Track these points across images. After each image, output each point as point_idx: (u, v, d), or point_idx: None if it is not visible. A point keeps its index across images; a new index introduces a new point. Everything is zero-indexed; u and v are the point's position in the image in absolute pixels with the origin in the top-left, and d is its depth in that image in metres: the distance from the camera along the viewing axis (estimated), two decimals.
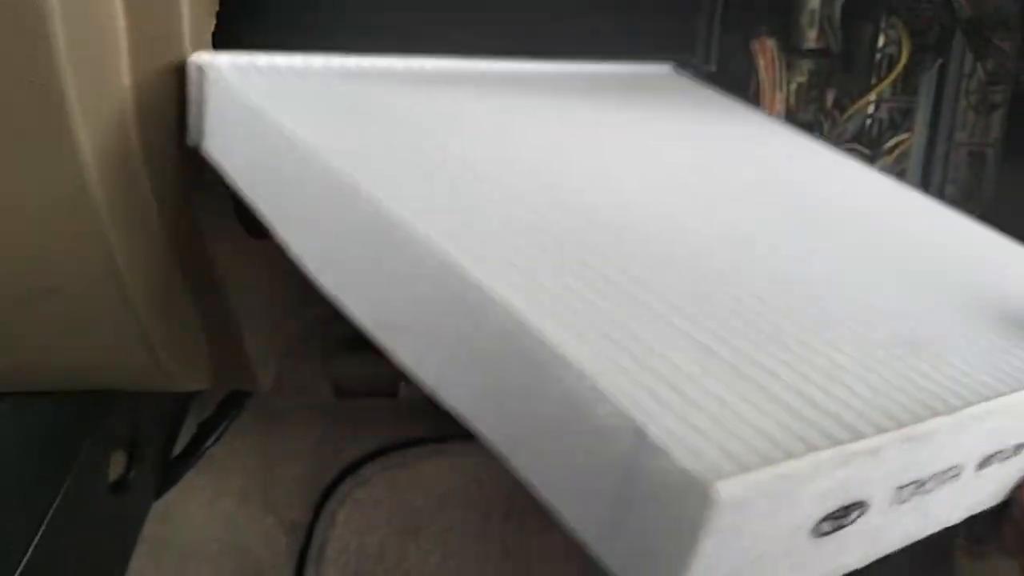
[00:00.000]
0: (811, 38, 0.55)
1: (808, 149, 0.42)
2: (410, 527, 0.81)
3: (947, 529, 0.25)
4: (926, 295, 0.30)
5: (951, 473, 0.23)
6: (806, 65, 0.56)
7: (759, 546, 0.19)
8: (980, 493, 0.25)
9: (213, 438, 0.60)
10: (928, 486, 0.23)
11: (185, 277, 0.41)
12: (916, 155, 0.59)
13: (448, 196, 0.27)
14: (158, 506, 0.62)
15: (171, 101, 0.36)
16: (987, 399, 0.23)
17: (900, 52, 0.53)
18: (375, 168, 0.27)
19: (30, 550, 0.45)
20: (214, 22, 0.37)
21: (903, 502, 0.22)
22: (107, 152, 0.35)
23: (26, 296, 0.39)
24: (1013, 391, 0.24)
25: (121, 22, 0.34)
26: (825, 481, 0.19)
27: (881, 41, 0.55)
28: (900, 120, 0.58)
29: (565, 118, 0.38)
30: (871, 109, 0.57)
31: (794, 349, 0.23)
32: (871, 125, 0.59)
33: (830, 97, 0.57)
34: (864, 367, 0.23)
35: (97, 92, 0.33)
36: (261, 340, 0.46)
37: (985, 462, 0.24)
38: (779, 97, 0.52)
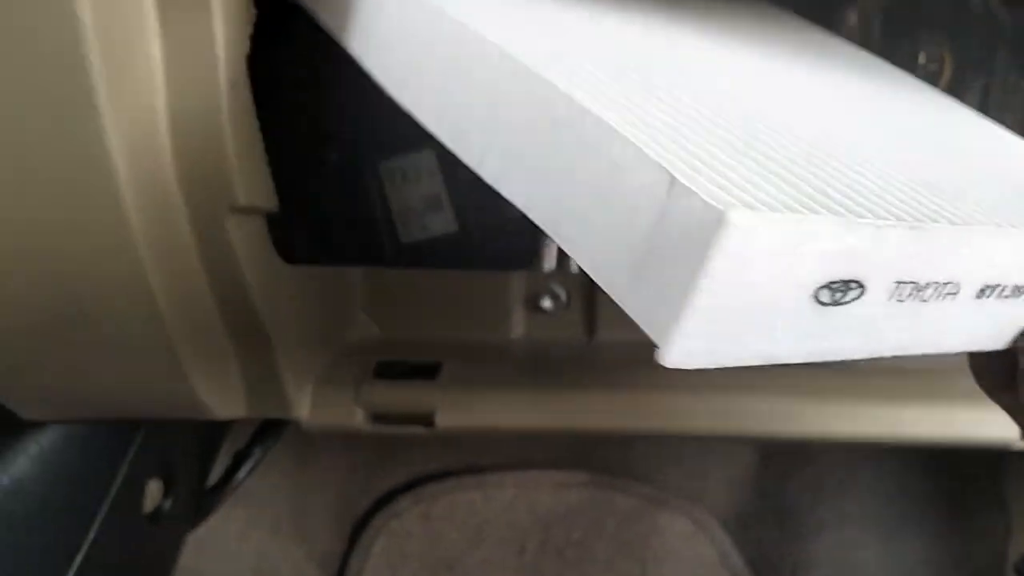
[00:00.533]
0: None
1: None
2: (444, 560, 0.79)
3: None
4: (960, 170, 0.31)
5: (948, 289, 0.24)
6: None
7: (764, 292, 0.20)
8: (978, 328, 0.26)
9: (247, 468, 0.60)
10: (926, 294, 0.24)
11: (219, 303, 0.41)
12: None
13: (549, 41, 0.28)
14: (191, 536, 0.62)
15: (206, 114, 0.36)
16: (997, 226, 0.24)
17: (942, 69, 0.52)
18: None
19: None
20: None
21: (900, 301, 0.23)
22: (142, 172, 0.35)
23: (60, 321, 0.39)
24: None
25: (156, 49, 0.34)
26: (830, 242, 0.20)
27: (922, 58, 0.54)
28: None
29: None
30: None
31: (821, 164, 0.24)
32: None
33: None
34: (883, 188, 0.24)
35: (131, 108, 0.34)
36: (296, 367, 0.46)
37: (985, 291, 0.25)
38: None
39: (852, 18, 0.53)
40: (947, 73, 0.52)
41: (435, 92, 0.28)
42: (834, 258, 0.21)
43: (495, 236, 0.55)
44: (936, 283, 0.24)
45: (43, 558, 0.46)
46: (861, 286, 0.22)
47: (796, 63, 0.39)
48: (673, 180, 0.19)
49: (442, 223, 0.55)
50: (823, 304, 0.22)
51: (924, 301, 0.24)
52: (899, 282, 0.23)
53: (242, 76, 0.36)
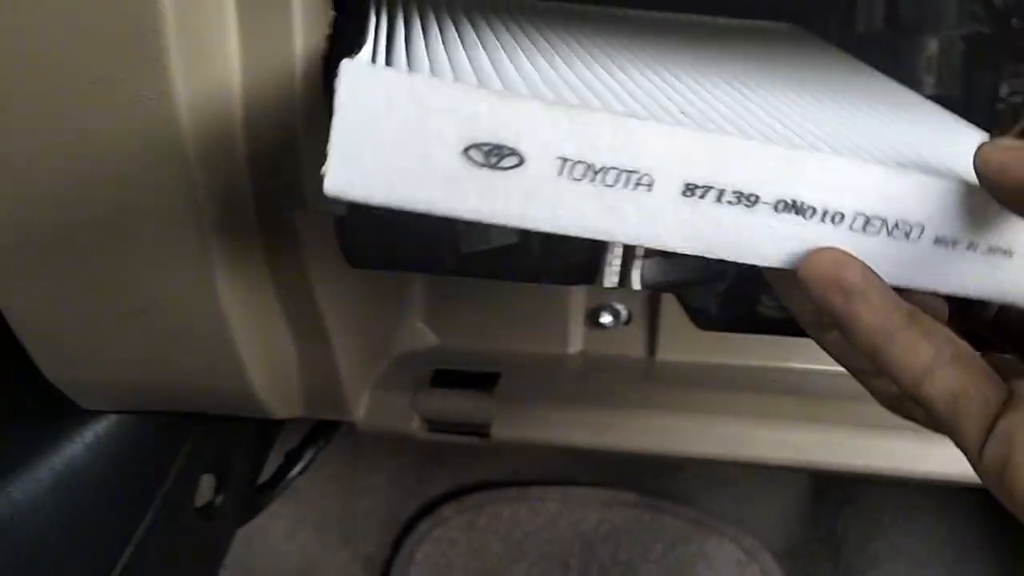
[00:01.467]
0: (929, 84, 0.53)
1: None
2: (486, 572, 0.79)
3: None
4: (852, 134, 0.32)
5: (637, 179, 0.26)
6: None
7: (403, 137, 0.24)
8: (676, 230, 0.27)
9: (299, 468, 0.60)
10: (608, 178, 0.25)
11: (282, 301, 0.41)
12: None
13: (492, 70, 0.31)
14: (240, 532, 0.62)
15: (280, 111, 0.36)
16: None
17: None
18: None
19: (118, 568, 0.45)
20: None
21: (575, 179, 0.25)
22: (214, 163, 0.35)
23: (125, 313, 0.39)
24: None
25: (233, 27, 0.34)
26: (468, 106, 0.24)
27: (1004, 90, 0.53)
28: None
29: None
30: None
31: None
32: None
33: None
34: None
35: (205, 99, 0.34)
36: (355, 370, 0.46)
37: (690, 190, 0.26)
38: None
39: (931, 47, 0.52)
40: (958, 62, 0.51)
41: None
42: (480, 121, 0.24)
43: (556, 249, 0.55)
44: (622, 170, 0.26)
45: (95, 545, 0.47)
46: (516, 153, 0.25)
47: (787, 84, 0.39)
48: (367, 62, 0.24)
49: (503, 234, 0.54)
50: (476, 164, 0.25)
51: (609, 186, 0.26)
52: (564, 159, 0.25)
53: (317, 75, 0.36)
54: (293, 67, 0.35)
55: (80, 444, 0.46)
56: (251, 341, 0.41)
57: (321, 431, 0.61)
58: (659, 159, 0.26)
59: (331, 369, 0.45)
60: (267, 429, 0.63)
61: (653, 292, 0.53)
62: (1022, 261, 0.28)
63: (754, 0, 0.51)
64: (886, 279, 0.27)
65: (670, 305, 0.52)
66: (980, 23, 0.52)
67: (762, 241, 0.28)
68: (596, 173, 0.26)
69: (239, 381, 0.42)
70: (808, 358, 0.52)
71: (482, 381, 0.49)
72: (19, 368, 0.42)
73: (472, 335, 0.52)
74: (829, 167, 0.27)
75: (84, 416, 0.46)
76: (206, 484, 0.53)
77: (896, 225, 0.27)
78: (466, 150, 0.25)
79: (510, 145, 0.25)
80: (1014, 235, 0.28)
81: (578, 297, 0.53)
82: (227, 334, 0.39)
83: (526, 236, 0.54)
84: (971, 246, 0.28)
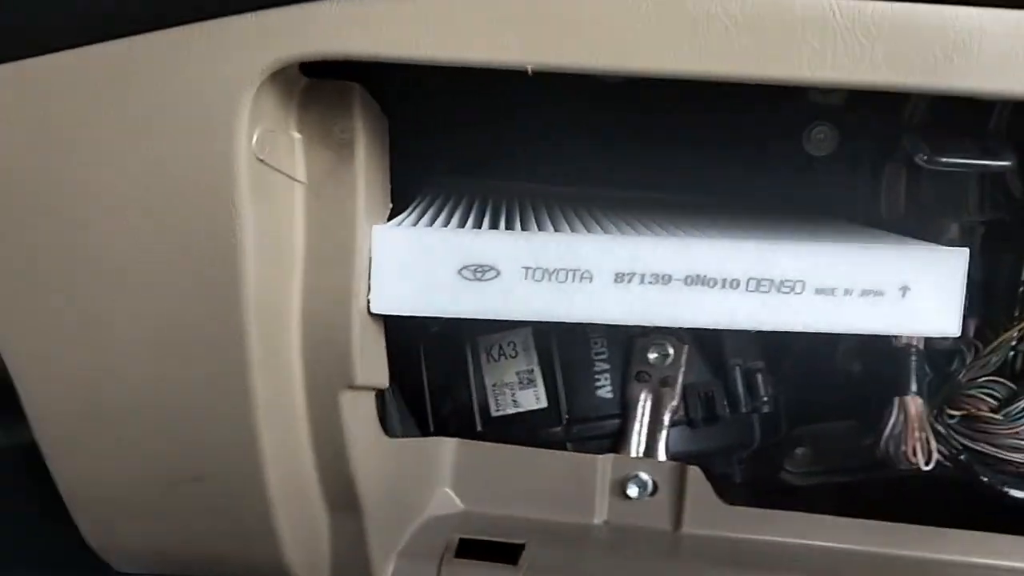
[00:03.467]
0: None
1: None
2: None
3: None
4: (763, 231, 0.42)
5: (582, 274, 0.38)
6: None
7: (421, 270, 0.38)
8: (619, 306, 0.38)
9: None
10: (560, 276, 0.38)
11: (320, 471, 0.42)
12: None
13: None
14: None
15: (338, 296, 0.37)
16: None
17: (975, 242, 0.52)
18: None
19: None
20: None
21: (536, 280, 0.38)
22: (270, 346, 0.36)
23: (172, 477, 0.40)
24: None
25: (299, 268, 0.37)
26: (457, 242, 0.38)
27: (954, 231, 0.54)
28: None
29: None
30: (1015, 342, 0.55)
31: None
32: (1015, 357, 0.57)
33: (972, 326, 0.55)
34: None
35: (270, 285, 0.36)
36: (383, 537, 0.46)
37: (621, 278, 0.38)
38: None
39: (953, 230, 0.53)
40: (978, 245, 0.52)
41: None
42: (467, 252, 0.37)
43: (584, 416, 0.55)
44: (568, 269, 0.38)
45: None
46: (494, 269, 0.38)
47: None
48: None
49: (532, 399, 0.55)
50: (468, 280, 0.38)
51: (561, 282, 0.38)
52: (527, 267, 0.38)
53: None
54: (353, 258, 0.37)
55: None
56: (286, 508, 0.41)
57: None
58: (593, 259, 0.37)
59: (360, 536, 0.45)
60: None
61: (680, 463, 0.53)
62: (892, 300, 0.38)
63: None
64: (784, 327, 0.38)
65: (697, 476, 0.52)
66: (1000, 210, 0.53)
67: (680, 307, 0.38)
68: (550, 274, 0.38)
69: (271, 548, 0.42)
70: (834, 537, 0.52)
71: (506, 551, 0.48)
72: (50, 518, 0.42)
73: (498, 502, 0.52)
74: (716, 247, 0.37)
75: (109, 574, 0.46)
76: None
77: (782, 283, 0.37)
78: (459, 271, 0.38)
79: (489, 264, 0.37)
80: (880, 276, 0.38)
81: (604, 466, 0.53)
82: (265, 502, 0.40)
83: (554, 401, 0.55)
84: (847, 292, 0.38)
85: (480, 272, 0.37)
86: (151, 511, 0.41)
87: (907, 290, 0.38)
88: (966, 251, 0.40)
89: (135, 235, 0.33)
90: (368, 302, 0.37)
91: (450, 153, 0.55)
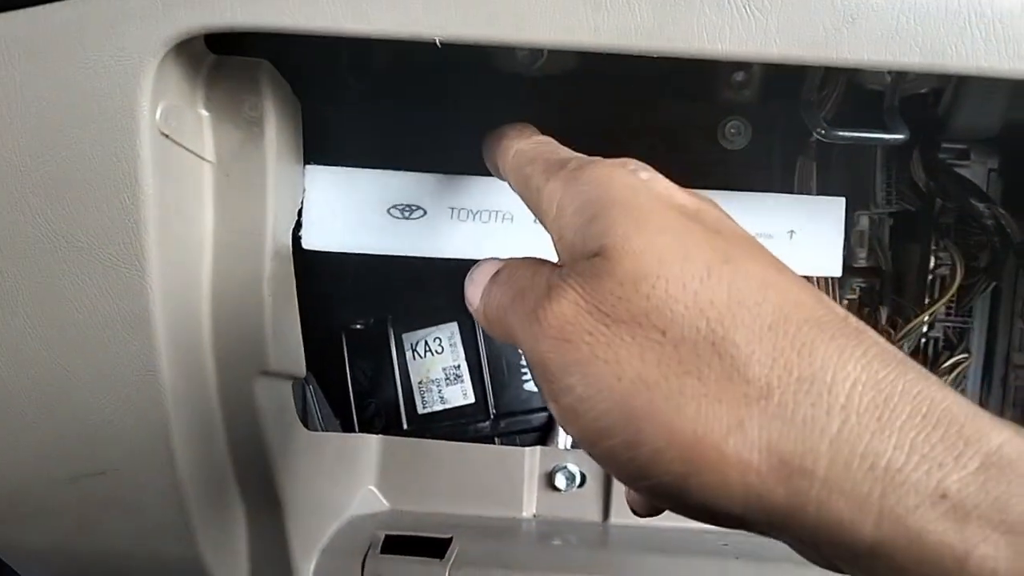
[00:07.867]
0: (861, 257, 0.56)
1: None
2: None
3: None
4: None
5: (503, 214, 0.41)
6: (856, 283, 0.57)
7: (353, 207, 0.40)
8: (537, 244, 0.40)
9: None
10: (483, 217, 0.40)
11: (235, 464, 0.41)
12: (974, 376, 0.58)
13: None
14: None
15: (248, 283, 0.37)
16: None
17: (953, 273, 0.54)
18: None
19: None
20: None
21: (461, 220, 0.40)
22: (178, 333, 0.36)
23: (78, 474, 0.39)
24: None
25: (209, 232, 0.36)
26: (387, 184, 0.40)
27: (932, 262, 0.56)
28: (956, 340, 0.58)
29: None
30: (925, 328, 0.57)
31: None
32: (926, 344, 0.58)
33: (883, 315, 0.57)
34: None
35: (177, 271, 0.35)
36: (304, 535, 0.45)
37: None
38: None
39: (863, 223, 0.55)
40: (957, 278, 0.54)
41: None
42: (397, 193, 0.40)
43: (511, 411, 0.55)
44: (489, 211, 0.40)
45: None
46: (421, 208, 0.40)
47: None
48: None
49: (460, 395, 0.55)
50: (396, 218, 0.40)
51: (485, 223, 0.40)
52: (453, 207, 0.40)
53: (286, 249, 0.38)
54: (264, 244, 0.36)
55: None
56: (201, 502, 0.40)
57: None
58: (515, 200, 0.35)
59: (279, 533, 0.44)
60: None
61: None
62: (781, 243, 0.42)
63: None
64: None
65: None
66: (907, 202, 0.55)
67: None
68: (474, 214, 0.40)
69: (184, 545, 0.41)
70: None
71: (433, 546, 0.48)
72: None
73: (424, 499, 0.52)
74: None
75: None
76: None
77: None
78: (388, 209, 0.40)
79: (415, 203, 0.40)
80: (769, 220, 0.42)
81: (532, 459, 0.53)
82: (177, 498, 0.39)
83: (481, 396, 0.55)
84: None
85: (408, 211, 0.40)
86: (50, 509, 0.39)
87: (793, 233, 0.43)
88: (843, 200, 0.45)
89: (33, 213, 0.32)
90: (300, 239, 0.39)
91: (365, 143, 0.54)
